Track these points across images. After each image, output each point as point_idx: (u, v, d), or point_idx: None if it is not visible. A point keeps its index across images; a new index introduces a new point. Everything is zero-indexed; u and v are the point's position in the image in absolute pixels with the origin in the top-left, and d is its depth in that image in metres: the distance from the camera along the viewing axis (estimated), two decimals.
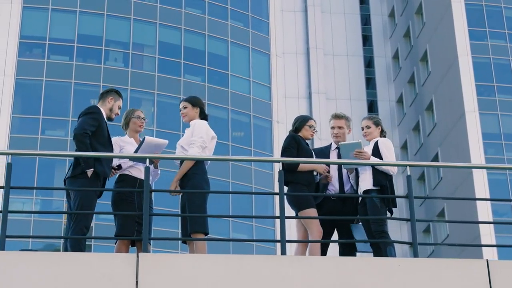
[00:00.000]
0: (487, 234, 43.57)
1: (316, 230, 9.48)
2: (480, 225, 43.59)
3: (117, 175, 9.75)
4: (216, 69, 45.32)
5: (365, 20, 62.25)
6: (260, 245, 40.97)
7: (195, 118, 9.85)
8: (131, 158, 9.49)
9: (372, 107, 59.68)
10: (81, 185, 8.98)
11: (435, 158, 50.71)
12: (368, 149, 9.84)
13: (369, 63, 60.89)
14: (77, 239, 8.70)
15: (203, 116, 9.95)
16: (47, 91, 41.84)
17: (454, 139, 48.26)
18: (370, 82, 60.37)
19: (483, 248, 42.96)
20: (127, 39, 44.18)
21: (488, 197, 43.06)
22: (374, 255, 9.40)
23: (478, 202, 44.57)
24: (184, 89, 43.75)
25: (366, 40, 61.64)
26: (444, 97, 50.13)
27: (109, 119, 9.61)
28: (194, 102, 9.95)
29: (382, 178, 9.58)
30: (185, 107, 9.91)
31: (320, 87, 57.99)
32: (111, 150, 9.46)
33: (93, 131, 9.19)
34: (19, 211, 9.04)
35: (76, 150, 9.17)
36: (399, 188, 55.45)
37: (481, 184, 44.87)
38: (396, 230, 53.13)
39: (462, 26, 49.01)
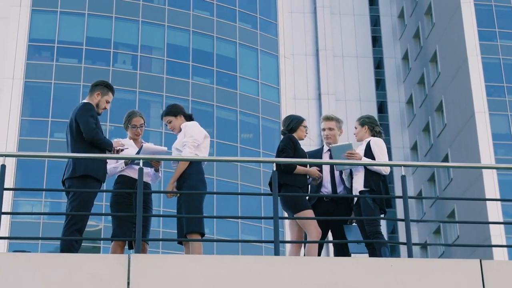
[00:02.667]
0: (498, 235, 43.46)
1: (314, 231, 9.46)
2: (491, 225, 43.50)
3: (116, 175, 9.78)
4: (224, 71, 45.34)
5: (375, 21, 62.18)
6: (268, 247, 40.94)
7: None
8: (126, 159, 9.51)
9: (382, 108, 59.61)
10: (83, 186, 8.96)
11: (445, 159, 50.63)
12: (361, 149, 9.82)
13: (378, 64, 60.82)
14: (69, 242, 8.69)
15: (189, 118, 9.93)
16: (56, 93, 41.97)
17: (464, 140, 48.14)
18: (379, 83, 60.31)
19: (493, 248, 42.84)
20: (136, 41, 44.27)
21: (498, 197, 42.92)
22: (370, 256, 9.38)
23: (488, 202, 44.48)
24: (192, 91, 43.80)
25: (376, 41, 61.58)
26: (454, 98, 50.02)
27: (97, 114, 9.53)
28: (174, 112, 9.91)
29: (374, 179, 9.56)
30: (170, 121, 9.89)
31: (330, 88, 57.97)
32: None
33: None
34: (13, 212, 9.02)
35: (99, 148, 9.14)
36: (409, 189, 55.34)
37: (491, 185, 44.76)
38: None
39: (471, 26, 48.89)
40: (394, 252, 47.84)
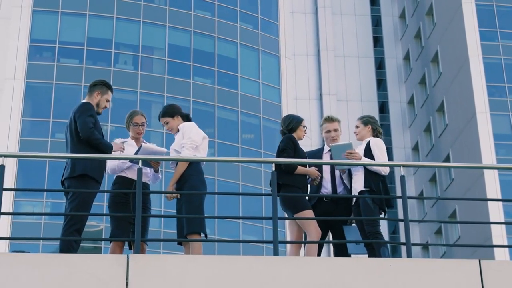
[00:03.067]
0: (499, 235, 43.44)
1: (314, 232, 9.45)
2: (492, 226, 43.48)
3: (115, 176, 9.79)
4: (225, 71, 45.33)
5: (376, 22, 62.16)
6: (269, 247, 40.95)
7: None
8: (125, 159, 9.52)
9: (383, 108, 59.60)
10: (82, 186, 8.97)
11: (447, 159, 50.62)
12: (360, 149, 9.81)
13: (380, 65, 60.81)
14: (68, 242, 8.69)
15: (186, 118, 9.90)
16: (57, 94, 41.99)
17: (466, 140, 48.12)
18: (381, 84, 60.29)
19: (495, 248, 42.81)
20: (137, 41, 44.28)
21: (499, 197, 42.88)
22: (369, 256, 9.37)
23: (489, 203, 44.42)
24: (193, 92, 43.81)
25: (377, 41, 61.56)
26: (455, 98, 50.00)
27: (97, 113, 9.52)
28: (171, 113, 9.87)
29: (374, 179, 9.54)
30: (167, 122, 9.85)
31: (331, 88, 57.96)
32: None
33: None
34: (10, 213, 9.04)
35: (97, 148, 9.14)
36: (410, 189, 55.30)
37: (492, 185, 44.73)
38: None
39: (472, 26, 48.87)
40: (395, 253, 47.84)
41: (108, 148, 9.14)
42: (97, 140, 9.10)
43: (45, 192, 40.14)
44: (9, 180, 37.75)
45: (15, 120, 41.13)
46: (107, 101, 9.53)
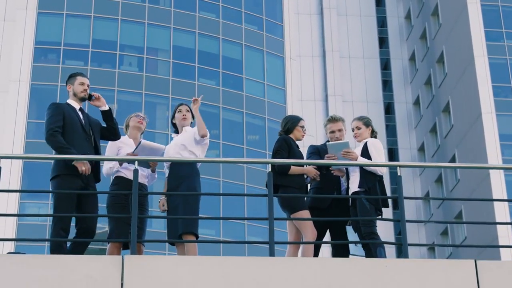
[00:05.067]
0: (505, 236, 43.37)
1: (310, 232, 9.45)
2: (498, 226, 43.39)
3: (114, 176, 9.80)
4: (230, 73, 45.36)
5: (381, 22, 62.09)
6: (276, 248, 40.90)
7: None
8: (124, 161, 9.52)
9: (389, 109, 59.53)
10: (56, 185, 8.98)
11: (453, 160, 50.55)
12: (358, 150, 9.79)
13: (385, 65, 60.74)
14: (57, 242, 8.69)
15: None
16: (62, 96, 41.98)
17: (471, 140, 48.04)
18: (386, 84, 60.21)
19: (501, 249, 42.72)
20: (142, 43, 44.33)
21: (505, 198, 42.76)
22: (366, 257, 9.37)
23: (495, 203, 44.33)
24: (198, 93, 43.83)
25: (383, 42, 61.49)
26: (461, 98, 49.92)
27: (83, 99, 9.53)
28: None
29: (370, 179, 9.52)
30: (188, 111, 10.12)
31: (337, 89, 57.90)
32: (89, 143, 9.39)
33: (61, 126, 9.21)
34: (6, 214, 9.07)
35: (55, 152, 9.15)
36: (417, 190, 55.24)
37: (498, 186, 44.66)
38: (414, 232, 53.01)
39: (478, 27, 48.79)
40: (401, 254, 47.76)
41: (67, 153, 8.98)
42: (55, 143, 9.06)
43: (50, 194, 40.17)
44: (14, 182, 37.84)
45: (20, 122, 41.21)
46: (81, 84, 9.49)
